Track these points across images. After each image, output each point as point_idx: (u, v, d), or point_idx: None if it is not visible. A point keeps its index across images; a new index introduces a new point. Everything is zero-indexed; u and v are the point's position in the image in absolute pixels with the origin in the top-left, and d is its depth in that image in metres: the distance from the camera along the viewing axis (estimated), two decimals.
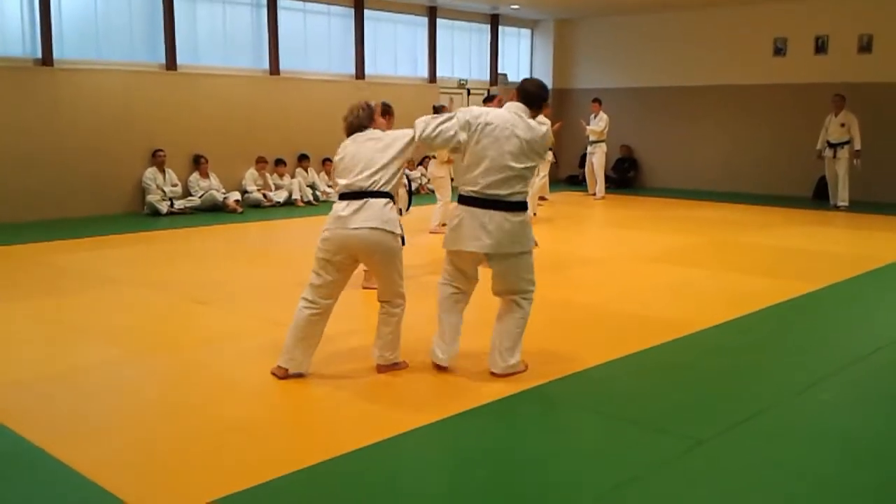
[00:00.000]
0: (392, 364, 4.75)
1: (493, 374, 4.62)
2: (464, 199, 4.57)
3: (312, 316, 4.57)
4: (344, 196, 4.53)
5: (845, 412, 4.36)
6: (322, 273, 4.56)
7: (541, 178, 13.05)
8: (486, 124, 4.50)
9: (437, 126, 4.57)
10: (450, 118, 4.60)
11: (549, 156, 13.54)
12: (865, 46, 14.25)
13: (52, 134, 11.26)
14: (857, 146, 13.01)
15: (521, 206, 4.54)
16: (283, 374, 4.60)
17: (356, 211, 4.44)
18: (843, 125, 13.11)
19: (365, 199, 4.47)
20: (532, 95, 4.61)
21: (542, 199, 13.14)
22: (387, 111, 6.04)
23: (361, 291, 6.79)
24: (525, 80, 4.77)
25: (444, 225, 10.05)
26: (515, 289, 4.67)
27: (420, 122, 4.65)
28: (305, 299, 4.60)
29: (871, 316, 6.53)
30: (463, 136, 4.52)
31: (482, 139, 4.48)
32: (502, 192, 4.47)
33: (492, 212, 4.47)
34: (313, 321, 4.58)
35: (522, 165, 4.48)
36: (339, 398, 4.38)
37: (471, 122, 4.52)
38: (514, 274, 4.63)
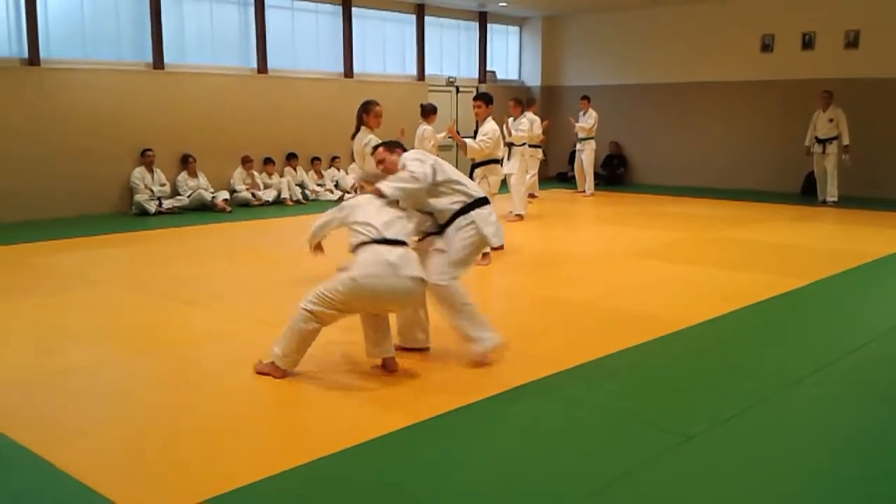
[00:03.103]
0: (391, 358, 4.76)
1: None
2: None
3: (317, 330, 4.57)
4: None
5: (836, 406, 4.37)
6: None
7: (530, 176, 13.07)
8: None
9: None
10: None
11: (539, 153, 13.58)
12: (852, 42, 14.31)
13: (39, 134, 11.20)
14: (846, 141, 13.05)
15: None
16: (281, 375, 4.57)
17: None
18: (831, 121, 13.15)
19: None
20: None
21: (531, 196, 13.16)
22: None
23: None
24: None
25: None
26: None
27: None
28: (314, 318, 4.52)
29: (861, 310, 6.55)
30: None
31: None
32: None
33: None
34: (316, 332, 4.59)
35: None
36: (327, 398, 4.37)
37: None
38: None
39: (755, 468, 3.51)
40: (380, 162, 5.01)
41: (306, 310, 4.46)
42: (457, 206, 4.86)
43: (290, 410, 4.30)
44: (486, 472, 3.48)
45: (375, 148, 5.22)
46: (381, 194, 4.68)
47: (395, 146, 5.07)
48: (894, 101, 13.85)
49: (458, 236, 4.84)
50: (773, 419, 4.12)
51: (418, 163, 4.83)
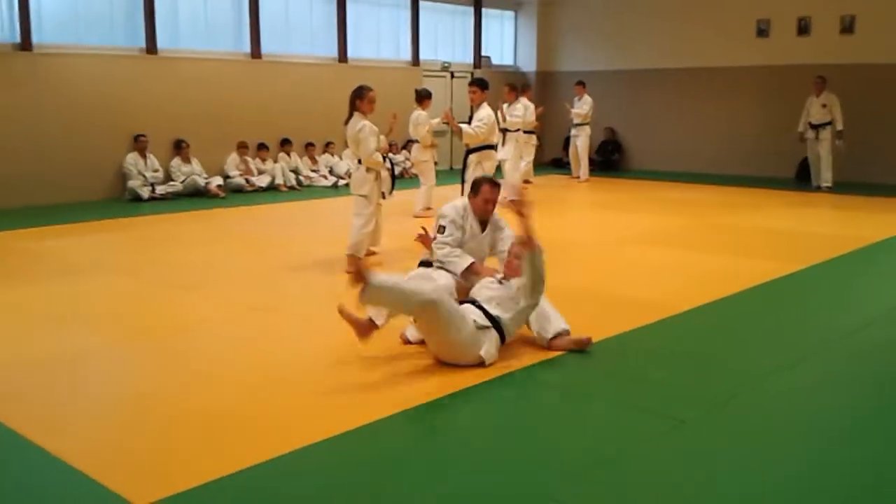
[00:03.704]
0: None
1: None
2: None
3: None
4: None
5: (830, 390, 4.39)
6: None
7: (525, 163, 13.06)
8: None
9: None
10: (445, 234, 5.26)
11: (534, 139, 13.55)
12: (848, 27, 14.28)
13: (32, 119, 11.13)
14: (840, 127, 13.05)
15: None
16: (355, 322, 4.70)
17: None
18: (824, 106, 13.15)
19: None
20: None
21: (526, 182, 13.14)
22: None
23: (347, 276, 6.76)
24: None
25: (428, 209, 10.05)
26: None
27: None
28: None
29: (856, 295, 6.56)
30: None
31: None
32: None
33: None
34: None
35: None
36: (323, 385, 4.36)
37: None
38: None
39: (747, 452, 3.53)
40: (492, 202, 5.47)
41: (431, 301, 4.42)
42: None
43: (286, 397, 4.25)
44: (476, 454, 3.48)
45: (495, 185, 5.45)
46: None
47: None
48: (890, 87, 13.84)
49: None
50: (767, 403, 4.13)
51: None
